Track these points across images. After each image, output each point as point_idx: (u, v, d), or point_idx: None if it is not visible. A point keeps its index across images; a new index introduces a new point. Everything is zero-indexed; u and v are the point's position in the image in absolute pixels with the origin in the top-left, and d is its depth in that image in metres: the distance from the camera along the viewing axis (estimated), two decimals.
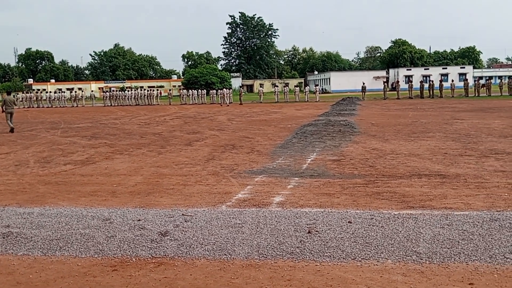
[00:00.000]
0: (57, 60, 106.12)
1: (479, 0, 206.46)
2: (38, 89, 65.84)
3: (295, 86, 52.94)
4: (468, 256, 4.68)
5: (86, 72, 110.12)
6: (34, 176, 9.88)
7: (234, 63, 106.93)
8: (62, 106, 50.63)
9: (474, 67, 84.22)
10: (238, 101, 44.66)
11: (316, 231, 5.51)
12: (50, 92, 56.51)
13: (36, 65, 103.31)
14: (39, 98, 52.53)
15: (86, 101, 53.24)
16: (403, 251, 4.84)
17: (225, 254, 4.93)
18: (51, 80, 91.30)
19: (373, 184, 7.99)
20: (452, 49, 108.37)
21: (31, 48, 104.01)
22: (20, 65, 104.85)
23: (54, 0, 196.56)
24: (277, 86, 50.13)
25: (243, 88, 47.42)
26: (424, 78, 62.92)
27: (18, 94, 57.55)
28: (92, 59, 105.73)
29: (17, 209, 7.05)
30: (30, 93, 55.61)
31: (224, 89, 47.11)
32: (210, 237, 5.44)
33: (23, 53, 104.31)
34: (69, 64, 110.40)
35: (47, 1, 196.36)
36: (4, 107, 20.77)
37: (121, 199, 7.52)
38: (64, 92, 55.42)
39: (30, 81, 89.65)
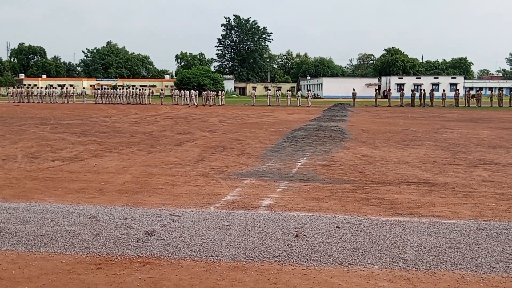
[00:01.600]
0: (49, 56, 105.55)
1: (472, 12, 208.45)
2: (29, 84, 65.29)
3: (287, 91, 53.04)
4: (455, 265, 4.69)
5: (78, 69, 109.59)
6: (21, 171, 9.78)
7: (227, 66, 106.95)
8: (52, 102, 50.16)
9: (465, 78, 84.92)
10: (203, 103, 45.55)
11: (304, 235, 5.50)
12: (41, 87, 56.07)
13: (28, 60, 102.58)
14: (30, 94, 52.05)
15: (77, 98, 52.83)
16: (390, 257, 4.84)
17: (212, 256, 4.90)
18: (42, 75, 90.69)
19: (362, 190, 8.00)
20: (444, 59, 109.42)
21: (24, 43, 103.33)
22: (12, 60, 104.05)
23: None
24: (269, 90, 50.21)
25: (217, 92, 48.44)
26: (416, 87, 63.28)
27: (9, 88, 57.09)
28: (85, 56, 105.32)
29: (2, 203, 6.97)
30: (21, 88, 55.11)
31: (192, 91, 48.00)
32: (197, 238, 5.41)
33: (16, 47, 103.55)
34: (61, 60, 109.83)
35: None
36: None
37: (108, 197, 7.46)
38: (55, 88, 55.03)
39: (22, 76, 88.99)
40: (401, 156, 11.94)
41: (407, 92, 49.76)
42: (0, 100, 53.54)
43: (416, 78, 79.48)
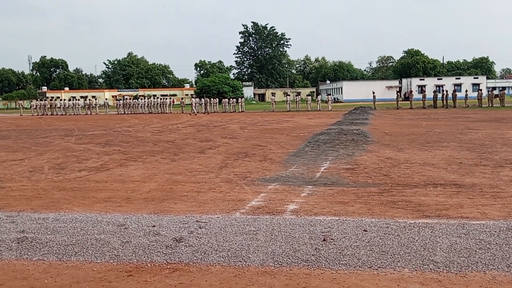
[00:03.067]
0: (71, 68, 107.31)
1: (493, 10, 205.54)
2: (52, 97, 66.50)
3: (307, 95, 52.99)
4: (486, 265, 4.64)
5: (100, 80, 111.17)
6: (49, 182, 9.94)
7: (246, 72, 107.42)
8: (76, 113, 51.00)
9: (487, 78, 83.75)
10: (204, 111, 47.14)
11: (331, 239, 5.48)
12: (64, 100, 57.02)
13: (51, 73, 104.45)
14: (53, 106, 52.99)
15: (99, 109, 53.63)
16: (420, 260, 4.79)
17: (240, 261, 4.91)
18: (65, 88, 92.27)
19: (387, 193, 7.94)
20: (465, 60, 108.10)
21: (45, 56, 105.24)
22: (34, 73, 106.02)
23: (69, 9, 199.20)
24: (289, 95, 50.26)
25: (211, 99, 49.99)
26: (438, 88, 62.61)
27: (32, 101, 58.20)
28: (106, 67, 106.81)
29: (32, 214, 7.09)
30: (44, 100, 56.11)
31: (193, 99, 49.16)
32: (224, 243, 5.43)
33: (38, 61, 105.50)
34: (83, 72, 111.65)
35: (62, 9, 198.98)
36: None
37: (135, 205, 7.54)
38: (78, 100, 55.87)
39: (44, 88, 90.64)
40: (426, 158, 11.82)
41: (429, 94, 49.22)
42: (24, 113, 54.52)
43: (438, 79, 78.70)
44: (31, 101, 59.33)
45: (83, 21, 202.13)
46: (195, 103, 46.99)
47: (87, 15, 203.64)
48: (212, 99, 50.61)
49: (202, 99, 49.69)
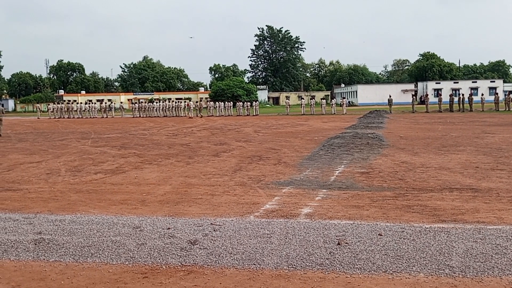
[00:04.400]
0: (87, 72, 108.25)
1: (509, 14, 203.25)
2: (69, 100, 67.22)
3: (321, 99, 52.86)
4: (502, 270, 4.59)
5: (116, 84, 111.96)
6: (66, 184, 10.05)
7: (261, 76, 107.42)
8: (92, 117, 51.51)
9: (504, 81, 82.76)
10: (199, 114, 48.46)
11: (346, 243, 5.47)
12: (81, 103, 57.62)
13: (67, 77, 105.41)
14: (70, 109, 53.59)
15: (115, 112, 54.05)
16: (436, 264, 4.76)
17: (254, 264, 4.92)
18: (81, 91, 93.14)
19: (403, 197, 7.90)
20: (481, 63, 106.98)
21: (62, 60, 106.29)
22: (51, 77, 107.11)
23: (87, 14, 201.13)
24: (303, 99, 50.17)
25: (208, 102, 51.48)
26: (454, 92, 62.00)
27: (49, 104, 58.90)
28: (122, 71, 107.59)
29: (49, 216, 7.18)
30: (61, 104, 56.75)
31: (190, 102, 50.94)
32: (239, 246, 5.45)
33: (55, 64, 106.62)
34: (100, 76, 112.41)
35: (80, 15, 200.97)
36: None
37: (150, 208, 7.60)
38: (94, 103, 56.39)
39: (61, 92, 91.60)
40: (442, 162, 11.72)
41: (445, 97, 48.79)
42: (41, 116, 55.20)
43: (454, 82, 77.96)
44: (48, 104, 60.01)
45: (100, 26, 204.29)
46: (192, 107, 47.70)
47: (105, 20, 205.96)
48: (208, 102, 51.92)
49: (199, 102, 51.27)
